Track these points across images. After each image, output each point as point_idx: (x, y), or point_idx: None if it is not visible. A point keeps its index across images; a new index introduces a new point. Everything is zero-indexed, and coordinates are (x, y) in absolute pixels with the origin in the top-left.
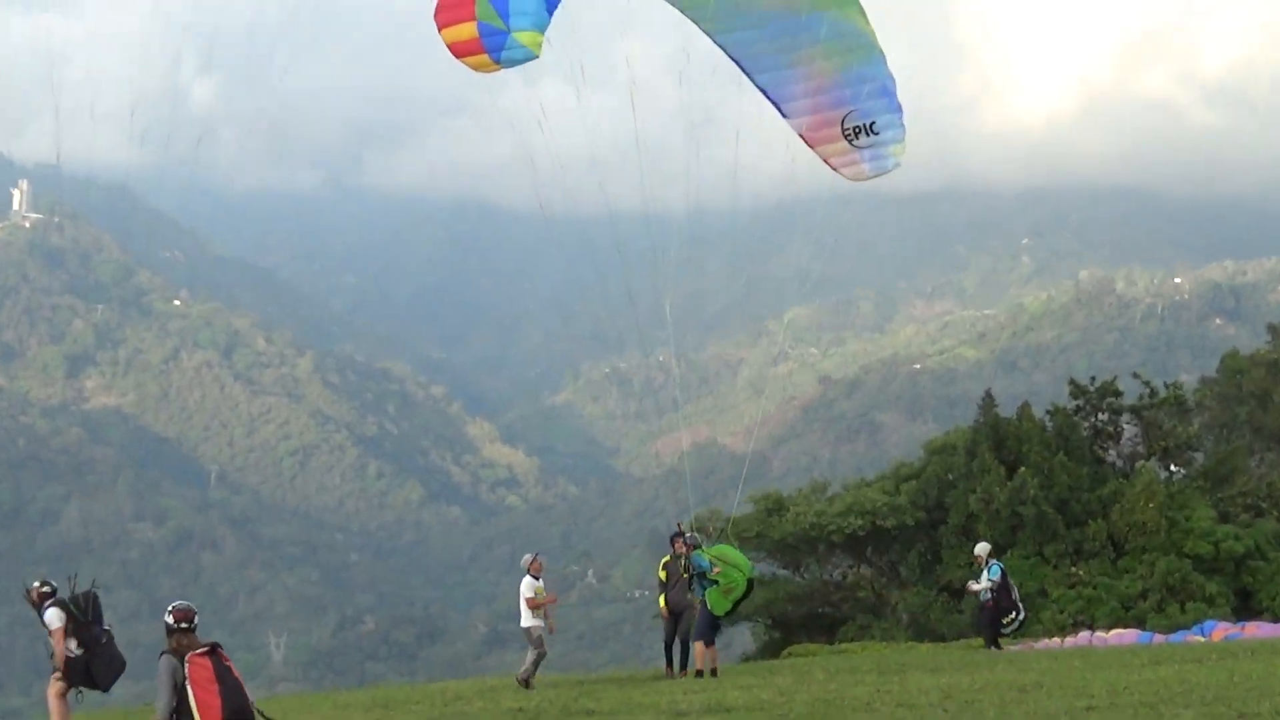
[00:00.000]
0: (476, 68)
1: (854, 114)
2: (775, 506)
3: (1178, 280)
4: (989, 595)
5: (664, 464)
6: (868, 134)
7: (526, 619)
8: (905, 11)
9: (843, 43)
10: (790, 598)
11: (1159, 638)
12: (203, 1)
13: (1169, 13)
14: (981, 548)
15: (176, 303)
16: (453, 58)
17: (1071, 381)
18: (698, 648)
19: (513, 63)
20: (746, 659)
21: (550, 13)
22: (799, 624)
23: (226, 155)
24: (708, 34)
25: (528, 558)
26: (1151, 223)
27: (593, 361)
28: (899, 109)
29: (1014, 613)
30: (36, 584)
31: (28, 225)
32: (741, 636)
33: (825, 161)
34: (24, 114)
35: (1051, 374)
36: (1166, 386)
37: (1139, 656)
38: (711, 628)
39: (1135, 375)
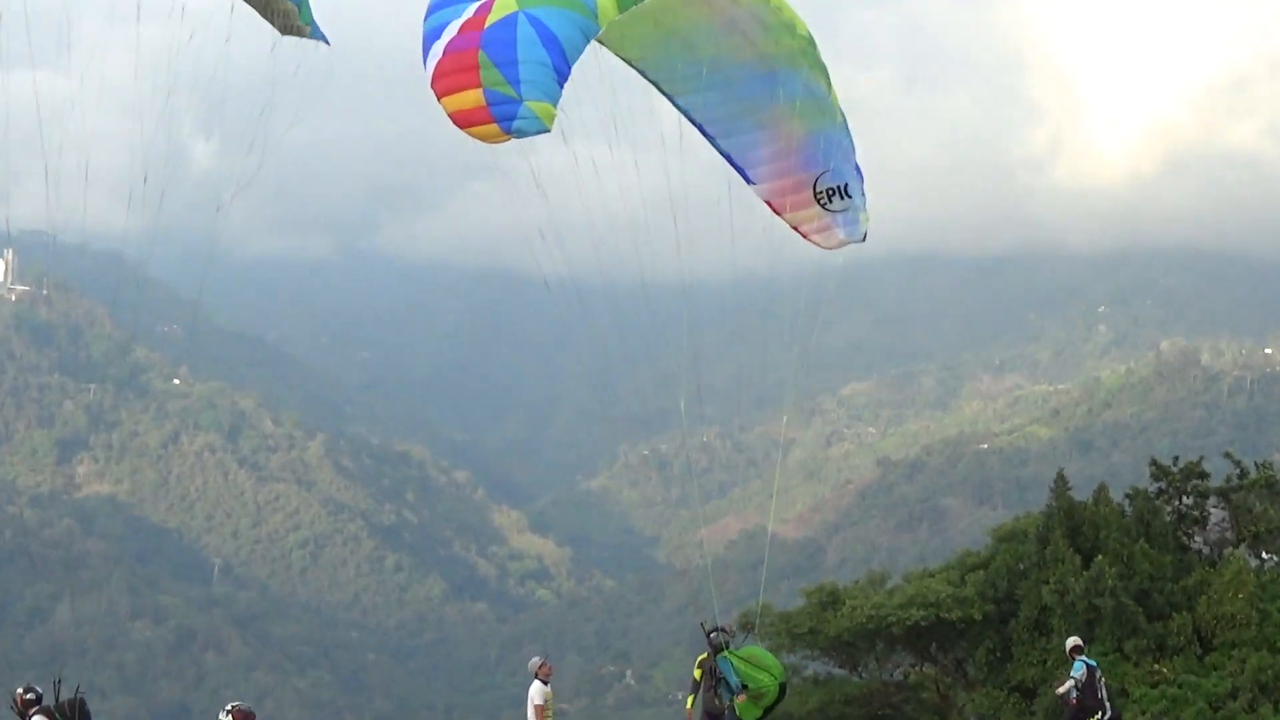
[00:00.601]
0: (484, 138)
1: (826, 175)
2: (830, 600)
3: (1269, 351)
4: (1074, 693)
5: (709, 554)
6: (841, 197)
7: None
8: (970, 60)
9: (813, 104)
10: (847, 699)
11: None
12: (201, 53)
13: (1258, 58)
14: (1073, 641)
15: (176, 381)
16: (456, 128)
17: (1153, 462)
18: None
19: (524, 134)
20: None
21: (561, 85)
22: None
23: (230, 220)
24: (668, 96)
25: (536, 661)
26: (1240, 288)
27: (630, 444)
28: (863, 178)
29: (1100, 713)
30: (20, 690)
31: (14, 298)
32: None
33: (796, 229)
34: (7, 178)
35: (1131, 454)
36: (1257, 467)
37: None
38: None
39: (1226, 455)
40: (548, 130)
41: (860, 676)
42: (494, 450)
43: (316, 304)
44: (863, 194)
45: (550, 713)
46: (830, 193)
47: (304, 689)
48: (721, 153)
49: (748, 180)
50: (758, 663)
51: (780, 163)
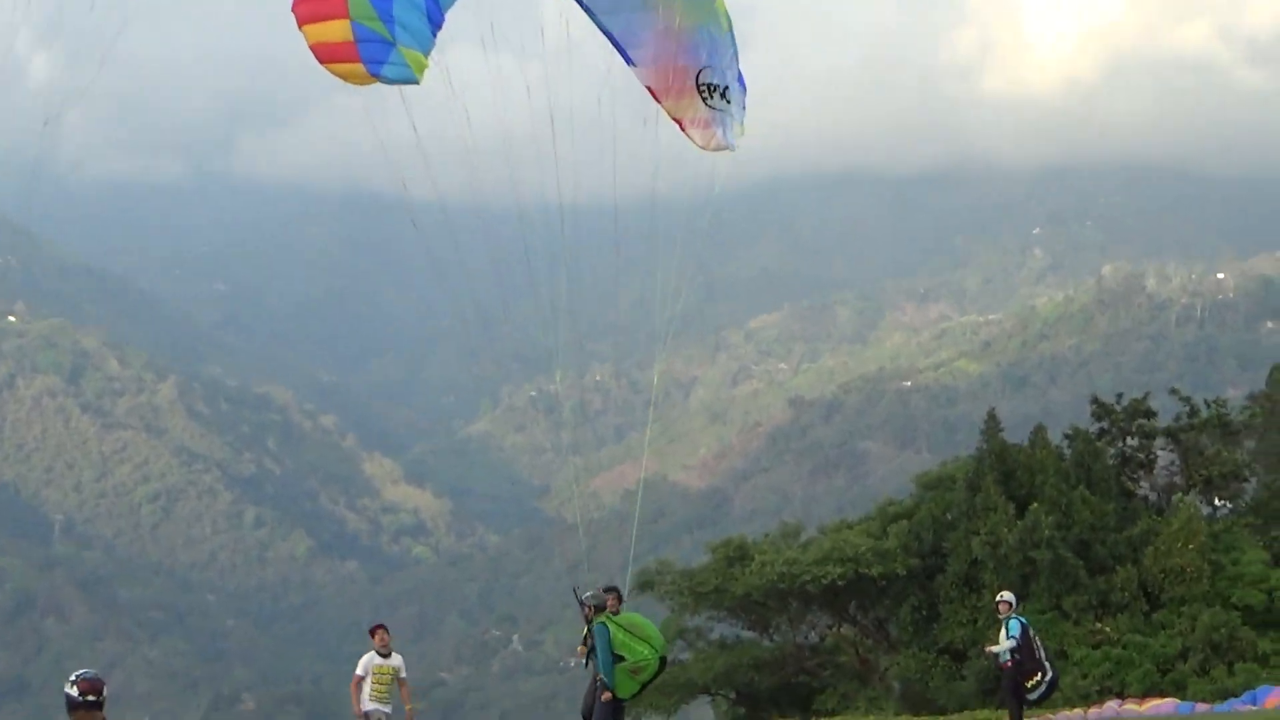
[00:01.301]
0: (346, 77)
1: (709, 71)
2: (738, 555)
3: (1220, 276)
4: (1008, 656)
5: (605, 505)
6: (723, 96)
7: (367, 702)
8: None
9: (701, 5)
10: (757, 664)
11: (1202, 707)
12: None
13: None
14: (1008, 595)
15: (11, 319)
16: (316, 61)
17: (1094, 399)
18: None
19: (391, 82)
20: None
21: (435, 34)
22: (768, 696)
23: (69, 139)
24: None
25: (380, 634)
26: (1188, 207)
27: (515, 385)
28: (745, 90)
29: (1039, 674)
30: None
31: None
32: (700, 712)
33: (676, 121)
34: None
35: (1069, 391)
36: (1208, 404)
37: None
38: (616, 712)
39: (1171, 391)
40: (417, 82)
41: (771, 639)
42: (364, 393)
43: (166, 232)
44: (743, 107)
45: (384, 688)
46: (711, 88)
47: (155, 658)
48: (604, 30)
49: (629, 61)
50: (638, 633)
51: (663, 45)
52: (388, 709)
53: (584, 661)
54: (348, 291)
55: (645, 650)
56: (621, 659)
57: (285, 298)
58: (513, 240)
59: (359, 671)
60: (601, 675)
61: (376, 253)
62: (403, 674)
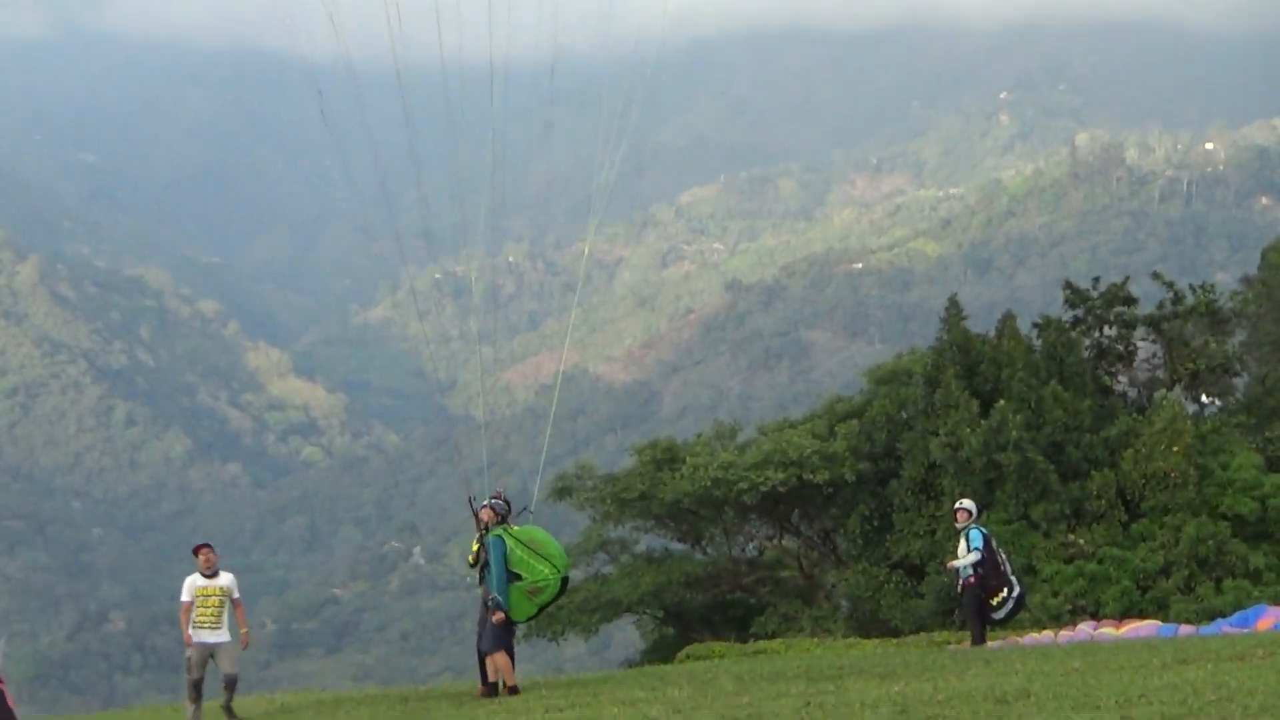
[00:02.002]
0: None
1: None
2: (666, 458)
3: (1209, 146)
4: (970, 571)
5: (517, 401)
6: None
7: (191, 632)
8: None
9: None
10: (688, 581)
11: (1187, 629)
12: None
13: None
14: (967, 502)
15: None
16: None
17: (1067, 284)
18: (497, 660)
19: None
20: (630, 664)
21: None
22: (700, 616)
23: None
24: None
25: (205, 553)
26: (1174, 69)
27: (418, 265)
28: None
29: (1005, 590)
30: None
31: None
32: (623, 634)
33: None
34: None
35: (1040, 274)
36: (1195, 289)
37: (1160, 655)
38: (508, 633)
39: (1154, 275)
40: None
41: (704, 552)
42: (248, 275)
43: (27, 95)
44: None
45: (211, 612)
46: None
47: (13, 573)
48: None
49: None
50: (539, 549)
51: None
52: (218, 636)
53: (476, 579)
54: (231, 162)
55: (545, 569)
56: (518, 577)
57: (160, 169)
58: (417, 105)
59: (185, 597)
60: (494, 594)
61: (263, 119)
62: (235, 594)
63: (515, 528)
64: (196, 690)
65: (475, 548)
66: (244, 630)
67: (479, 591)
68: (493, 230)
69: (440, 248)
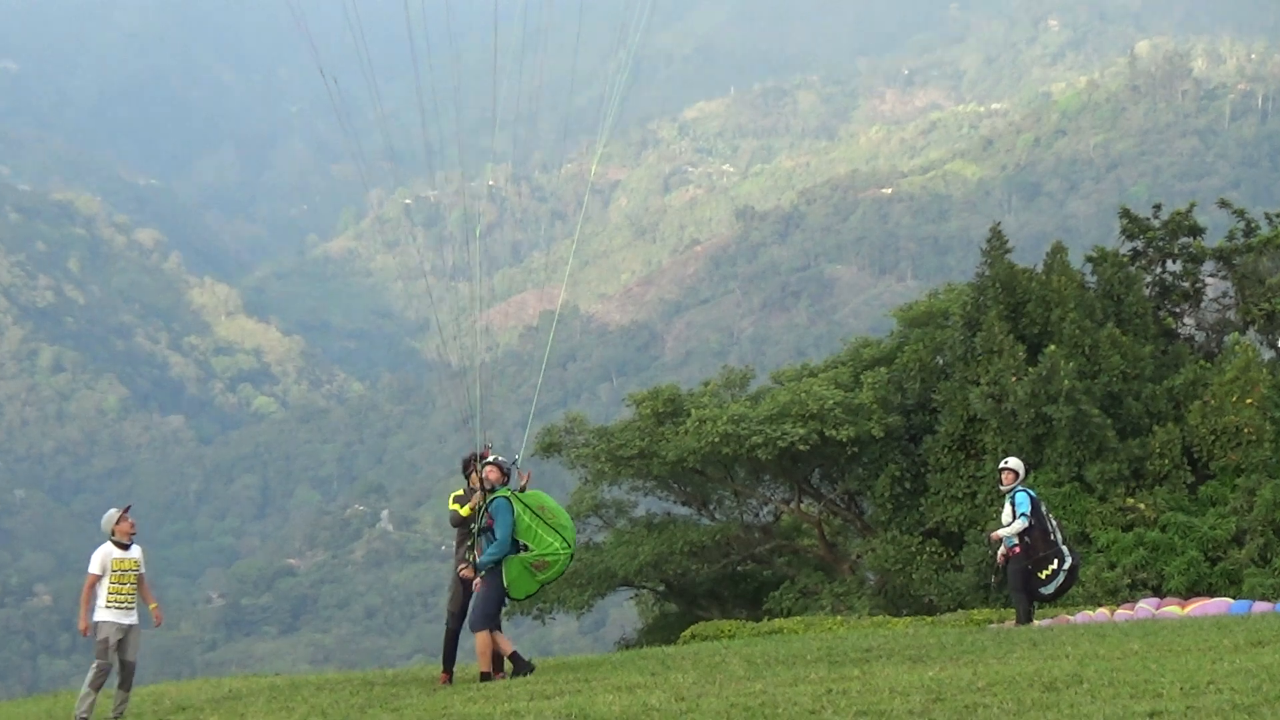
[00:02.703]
0: None
1: None
2: (668, 410)
3: None
4: (1015, 540)
5: (499, 345)
6: None
7: (102, 609)
8: None
9: None
10: (693, 549)
11: (1262, 606)
12: None
13: None
14: (1014, 461)
15: None
16: None
17: (1125, 213)
18: (480, 639)
19: None
20: (625, 645)
21: None
22: (707, 590)
23: None
24: None
25: (112, 514)
26: None
27: (385, 190)
28: None
29: (1056, 561)
30: None
31: None
32: (619, 610)
33: None
34: None
35: (1094, 201)
36: (1271, 219)
37: (1231, 636)
38: (499, 609)
39: (1222, 203)
40: None
41: (713, 518)
42: (192, 201)
43: None
44: None
45: (126, 589)
46: None
47: None
48: None
49: None
50: (550, 518)
51: None
52: (130, 618)
53: (467, 547)
54: (171, 72)
55: (556, 542)
56: (524, 548)
57: (92, 80)
58: (386, 4)
59: (94, 569)
60: (487, 562)
61: (208, 21)
62: (142, 568)
63: (523, 491)
64: (104, 677)
65: (466, 510)
66: (153, 605)
67: (454, 561)
68: (469, 149)
69: (410, 169)
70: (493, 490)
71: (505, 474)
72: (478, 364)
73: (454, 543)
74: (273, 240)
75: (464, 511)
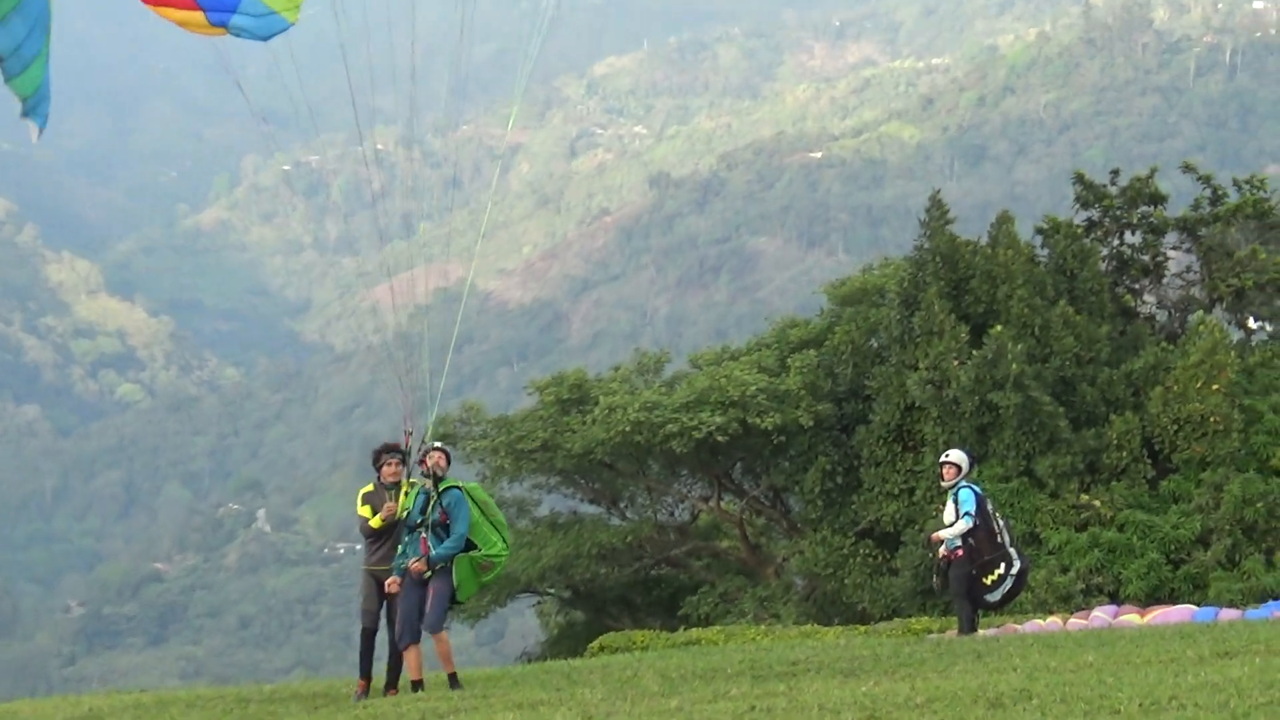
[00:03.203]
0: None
1: None
2: (574, 397)
3: (1258, 4)
4: (958, 541)
5: (387, 326)
6: None
7: None
8: None
9: None
10: (602, 552)
11: (1230, 613)
12: None
13: None
14: (956, 455)
15: None
16: None
17: (1080, 179)
18: (440, 641)
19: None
20: (527, 658)
21: None
22: (617, 597)
23: None
24: None
25: None
26: None
27: (263, 154)
28: None
29: (1003, 565)
30: None
31: None
32: (520, 620)
33: None
34: None
35: (1046, 167)
36: (1240, 185)
37: (1195, 645)
38: (447, 611)
39: (1186, 168)
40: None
41: (624, 517)
42: (49, 166)
43: None
44: None
45: None
46: None
47: None
48: None
49: None
50: (492, 514)
51: None
52: None
53: (400, 548)
54: None
55: (499, 543)
56: (473, 547)
57: None
58: None
59: None
60: (443, 556)
61: None
62: None
63: (468, 483)
64: None
65: (378, 521)
66: None
67: (394, 563)
68: (354, 108)
69: (289, 131)
70: (438, 481)
71: (449, 461)
72: (428, 341)
73: (357, 546)
74: (138, 211)
75: (375, 523)
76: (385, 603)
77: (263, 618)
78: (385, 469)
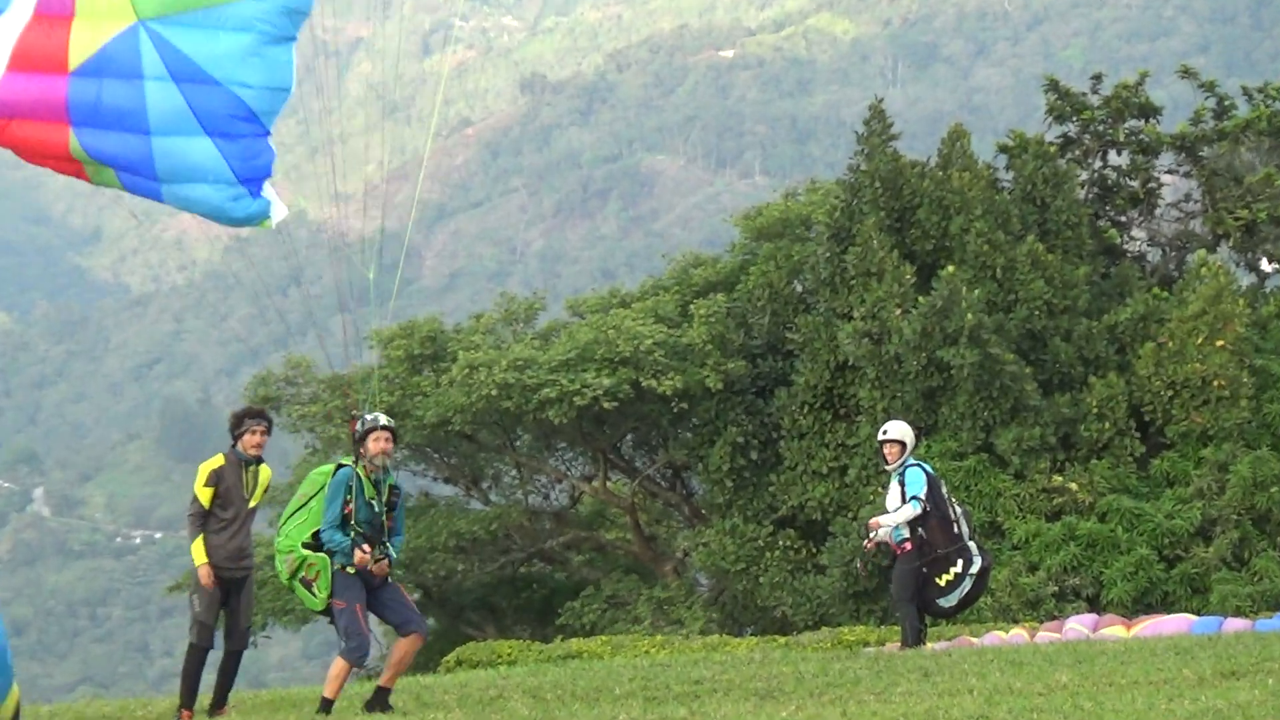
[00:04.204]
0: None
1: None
2: (426, 352)
3: None
4: (904, 533)
5: (196, 264)
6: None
7: None
8: None
9: None
10: (460, 544)
11: (1235, 623)
12: None
13: None
14: (897, 430)
15: None
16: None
17: (1052, 85)
18: (338, 663)
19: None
20: (367, 674)
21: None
22: (478, 599)
23: None
24: None
25: None
26: None
27: None
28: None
29: (960, 562)
30: None
31: None
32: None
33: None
34: None
35: (1011, 70)
36: (1251, 95)
37: (1194, 664)
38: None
39: (1183, 73)
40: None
41: (488, 500)
42: None
43: None
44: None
45: None
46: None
47: None
48: None
49: None
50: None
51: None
52: None
53: (382, 543)
54: None
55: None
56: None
57: None
58: None
59: None
60: (393, 550)
61: None
62: None
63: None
64: None
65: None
66: None
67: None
68: None
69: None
70: (382, 465)
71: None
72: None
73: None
74: None
75: (204, 495)
76: (224, 608)
77: (40, 622)
78: (248, 437)
